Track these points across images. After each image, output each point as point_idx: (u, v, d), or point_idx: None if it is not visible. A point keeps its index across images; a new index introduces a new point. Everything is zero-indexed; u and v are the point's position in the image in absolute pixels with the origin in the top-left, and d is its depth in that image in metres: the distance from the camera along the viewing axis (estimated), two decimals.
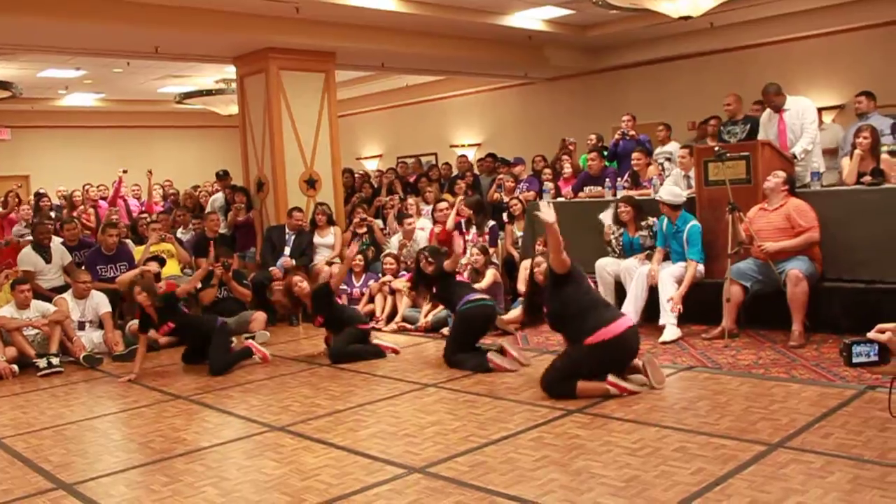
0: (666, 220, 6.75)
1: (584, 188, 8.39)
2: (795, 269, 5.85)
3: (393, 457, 3.94)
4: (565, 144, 10.50)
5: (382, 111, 16.96)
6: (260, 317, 7.83)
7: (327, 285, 6.80)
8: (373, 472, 3.74)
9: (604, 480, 3.43)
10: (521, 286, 7.41)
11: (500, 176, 10.03)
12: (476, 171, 11.46)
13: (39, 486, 3.88)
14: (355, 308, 7.66)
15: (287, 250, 8.90)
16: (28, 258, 7.97)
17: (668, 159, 8.65)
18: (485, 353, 5.83)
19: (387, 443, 4.20)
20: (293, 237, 9.01)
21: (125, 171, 11.53)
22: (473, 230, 8.62)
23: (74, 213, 10.44)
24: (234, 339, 6.99)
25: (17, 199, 10.64)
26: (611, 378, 4.79)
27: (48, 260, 8.04)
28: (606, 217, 7.34)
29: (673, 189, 6.88)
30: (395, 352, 6.61)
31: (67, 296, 7.38)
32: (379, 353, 6.56)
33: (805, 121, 7.07)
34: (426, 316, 7.61)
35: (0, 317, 6.83)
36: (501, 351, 5.89)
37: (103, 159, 15.94)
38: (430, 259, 6.37)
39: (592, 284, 5.25)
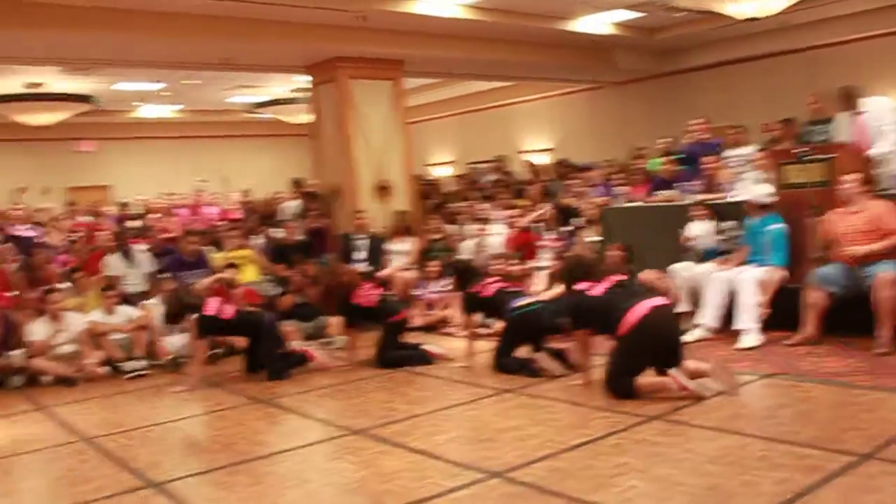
0: (752, 220, 6.63)
1: (657, 192, 8.29)
2: (886, 273, 5.66)
3: (471, 461, 3.95)
4: (636, 149, 10.41)
5: (451, 118, 17.04)
6: (337, 321, 7.91)
7: (346, 295, 6.81)
8: (452, 477, 3.76)
9: (685, 489, 3.39)
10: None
11: (573, 181, 9.97)
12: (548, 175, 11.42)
13: (130, 484, 4.02)
14: (391, 301, 7.25)
15: (360, 255, 9.04)
16: (113, 264, 8.27)
17: (747, 162, 8.46)
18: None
19: (465, 447, 4.23)
20: (366, 242, 9.15)
21: (205, 181, 11.90)
22: (552, 234, 8.57)
23: (154, 222, 10.79)
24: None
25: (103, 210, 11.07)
26: (672, 372, 4.73)
27: (132, 265, 8.35)
28: (693, 228, 7.20)
29: (762, 188, 6.73)
30: (446, 359, 6.54)
31: (155, 302, 7.61)
32: (426, 359, 6.52)
33: (884, 122, 6.85)
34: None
35: (90, 322, 7.12)
36: (560, 354, 5.77)
37: (180, 169, 16.47)
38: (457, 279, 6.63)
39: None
